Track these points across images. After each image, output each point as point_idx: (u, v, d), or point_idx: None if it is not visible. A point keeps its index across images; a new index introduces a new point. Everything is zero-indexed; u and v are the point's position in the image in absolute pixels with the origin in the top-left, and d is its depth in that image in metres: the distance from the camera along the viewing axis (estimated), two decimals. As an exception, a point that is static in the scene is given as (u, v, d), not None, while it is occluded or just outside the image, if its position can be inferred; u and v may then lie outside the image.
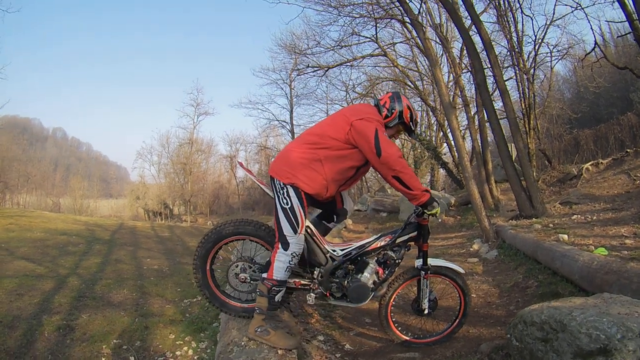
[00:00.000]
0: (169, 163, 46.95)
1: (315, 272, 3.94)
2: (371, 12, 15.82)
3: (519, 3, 17.44)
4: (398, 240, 4.00)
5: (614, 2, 12.90)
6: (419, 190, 3.60)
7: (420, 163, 29.43)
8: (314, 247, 3.92)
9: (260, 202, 44.14)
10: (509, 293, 5.71)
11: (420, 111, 28.37)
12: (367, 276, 3.90)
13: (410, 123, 4.04)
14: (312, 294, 3.97)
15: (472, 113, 17.59)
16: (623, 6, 10.46)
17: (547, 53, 18.39)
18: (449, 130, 16.04)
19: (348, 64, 20.95)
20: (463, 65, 18.52)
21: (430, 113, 25.32)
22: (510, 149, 12.10)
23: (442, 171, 24.91)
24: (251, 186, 48.26)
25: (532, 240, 7.42)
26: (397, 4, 13.19)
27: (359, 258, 3.98)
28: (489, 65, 11.79)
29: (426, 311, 4.18)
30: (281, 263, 3.63)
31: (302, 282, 3.99)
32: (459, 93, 18.53)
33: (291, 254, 3.63)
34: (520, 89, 17.34)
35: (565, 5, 15.71)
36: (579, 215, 9.93)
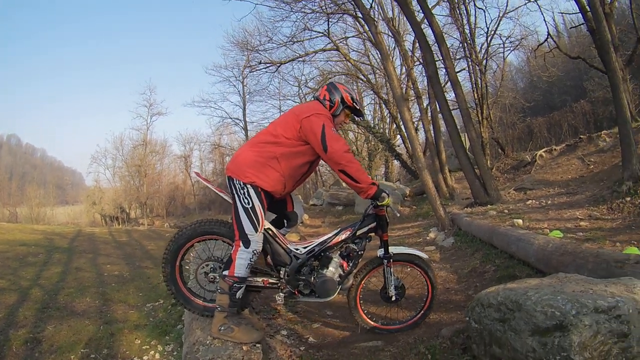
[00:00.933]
0: (124, 166, 45.69)
1: (281, 271, 4.00)
2: (324, 7, 15.89)
3: (471, -5, 17.78)
4: (358, 233, 4.09)
5: None
6: (365, 184, 3.72)
7: (374, 155, 29.76)
8: (277, 248, 3.99)
9: (216, 202, 43.61)
10: (467, 278, 5.81)
11: (373, 104, 28.74)
12: (333, 270, 3.98)
13: (354, 104, 4.15)
14: (280, 294, 4.03)
15: (425, 105, 17.85)
16: None
17: (499, 44, 18.79)
18: (401, 122, 16.17)
19: (300, 59, 21.10)
20: (415, 58, 18.78)
21: (383, 106, 25.58)
22: (463, 139, 12.34)
23: (396, 162, 25.19)
24: (206, 186, 47.97)
25: (487, 226, 7.55)
26: (349, -1, 13.36)
27: (322, 254, 4.06)
28: (441, 58, 11.99)
29: (394, 298, 4.28)
30: (242, 260, 3.67)
31: (270, 280, 4.05)
32: (412, 85, 18.66)
33: (252, 251, 3.69)
34: (473, 80, 17.63)
35: (519, -4, 16.08)
36: (534, 201, 10.22)
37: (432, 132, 16.58)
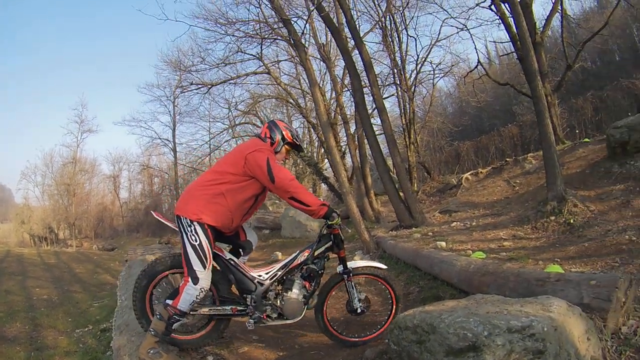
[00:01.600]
0: (53, 184, 44.08)
1: (247, 298, 4.12)
2: (258, 31, 15.96)
3: (405, 24, 18.36)
4: (316, 253, 4.27)
5: (499, 24, 13.95)
6: (316, 206, 3.93)
7: (302, 179, 29.72)
8: (240, 277, 4.12)
9: (144, 224, 42.71)
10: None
11: (302, 128, 28.78)
12: (297, 292, 4.15)
13: (295, 140, 4.39)
14: (250, 320, 4.12)
15: (352, 130, 18.10)
16: (507, 28, 11.36)
17: (430, 71, 19.41)
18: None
19: (232, 81, 20.88)
20: (345, 84, 19.13)
21: (312, 130, 25.74)
22: (389, 163, 12.62)
23: (323, 186, 25.36)
24: (135, 207, 46.75)
25: (411, 249, 7.71)
26: (282, 24, 13.48)
27: (284, 277, 4.24)
28: (369, 85, 12.22)
29: (359, 310, 4.47)
30: (189, 296, 3.77)
31: (239, 308, 4.14)
32: (339, 111, 19.01)
33: (200, 288, 3.80)
34: (402, 105, 18.12)
35: (452, 26, 16.74)
36: (458, 223, 10.42)
37: (358, 156, 16.82)
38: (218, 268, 4.17)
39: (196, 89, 20.78)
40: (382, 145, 12.78)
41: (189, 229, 3.80)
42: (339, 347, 4.60)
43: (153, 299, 4.16)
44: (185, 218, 3.82)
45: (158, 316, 3.80)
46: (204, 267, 3.81)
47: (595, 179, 9.45)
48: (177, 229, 4.08)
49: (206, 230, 3.83)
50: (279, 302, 4.16)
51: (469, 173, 16.16)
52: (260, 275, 4.17)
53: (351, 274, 4.42)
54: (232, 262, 4.11)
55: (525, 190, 11.72)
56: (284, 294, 4.17)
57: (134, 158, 50.65)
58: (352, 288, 4.46)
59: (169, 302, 3.82)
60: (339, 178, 10.52)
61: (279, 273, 4.21)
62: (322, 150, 25.96)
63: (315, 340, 4.93)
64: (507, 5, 11.04)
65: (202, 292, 3.82)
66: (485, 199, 12.71)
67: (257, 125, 27.52)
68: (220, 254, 4.11)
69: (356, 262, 4.61)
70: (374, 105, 13.82)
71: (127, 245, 26.42)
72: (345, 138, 19.66)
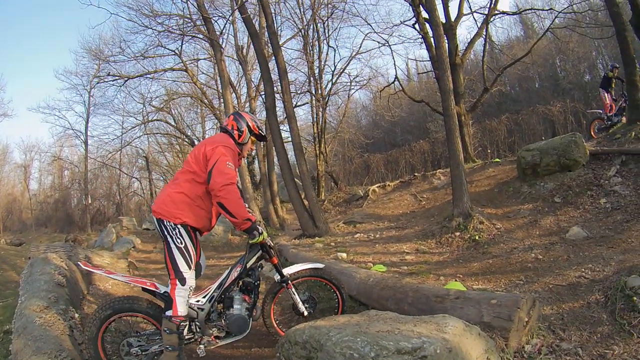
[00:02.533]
0: None
1: (192, 326, 4.10)
2: (180, 26, 15.68)
3: (327, 35, 18.60)
4: (248, 266, 4.28)
5: (422, 42, 14.34)
6: (241, 218, 3.90)
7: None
8: None
9: (53, 218, 40.73)
10: (289, 311, 5.85)
11: (214, 129, 28.57)
12: (238, 307, 4.17)
13: (260, 131, 4.46)
14: (200, 346, 4.11)
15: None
16: (429, 47, 11.69)
17: (346, 82, 19.74)
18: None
19: (149, 75, 20.44)
20: (260, 89, 18.96)
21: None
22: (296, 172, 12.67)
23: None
24: (44, 201, 44.44)
25: (312, 258, 7.63)
26: (201, 22, 13.33)
27: (222, 296, 4.23)
28: (281, 91, 12.22)
29: (305, 313, 4.55)
30: (182, 298, 3.86)
31: (187, 337, 4.07)
32: (251, 115, 18.93)
33: (189, 287, 3.91)
34: (314, 114, 18.31)
35: (374, 40, 17.14)
36: (362, 234, 10.45)
37: (265, 162, 16.84)
38: (157, 304, 4.15)
39: (113, 80, 20.18)
40: (289, 153, 12.84)
41: (173, 232, 3.90)
42: (237, 357, 4.72)
43: (106, 345, 4.09)
44: (169, 222, 3.91)
45: (167, 331, 3.81)
46: (189, 267, 3.94)
47: (504, 197, 9.71)
48: (107, 275, 4.53)
49: (189, 232, 3.96)
50: (223, 321, 4.19)
51: (376, 185, 16.27)
52: (198, 301, 4.15)
53: (289, 281, 4.48)
54: (167, 294, 4.02)
55: (432, 205, 11.85)
56: (227, 312, 4.19)
57: (46, 148, 48.44)
58: (294, 294, 4.53)
59: (169, 313, 3.83)
60: (243, 183, 10.47)
61: (216, 294, 4.20)
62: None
63: (211, 350, 4.88)
64: (430, 26, 11.39)
65: (190, 290, 3.94)
66: (391, 212, 12.75)
67: (169, 123, 27.05)
68: (155, 289, 4.09)
69: (292, 267, 4.65)
70: (285, 113, 13.88)
71: (35, 241, 24.99)
72: (255, 144, 19.58)
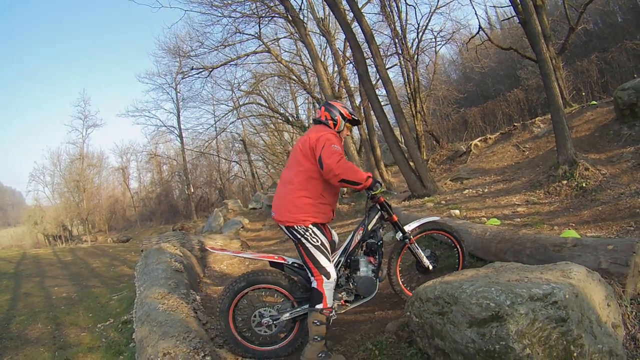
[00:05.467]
0: (62, 182, 43.90)
1: None
2: (255, 10, 15.80)
3: (403, -8, 18.05)
4: (370, 227, 4.42)
5: None
6: (362, 181, 4.03)
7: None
8: (307, 276, 4.20)
9: (157, 212, 42.80)
10: (409, 271, 5.83)
11: (307, 103, 28.88)
12: (365, 269, 4.31)
13: (352, 116, 4.49)
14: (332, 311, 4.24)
15: (358, 102, 17.95)
16: None
17: (431, 39, 19.16)
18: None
19: (232, 62, 20.91)
20: (346, 57, 18.92)
21: (317, 105, 25.53)
22: (397, 134, 12.51)
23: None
24: (146, 197, 46.82)
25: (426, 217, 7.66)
26: (278, 1, 13.33)
27: (348, 260, 4.38)
28: (371, 56, 12.07)
29: (431, 267, 4.69)
30: (329, 291, 3.99)
31: None
32: (343, 84, 18.80)
33: (333, 279, 4.04)
34: (405, 75, 17.92)
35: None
36: (471, 190, 10.38)
37: (365, 129, 16.77)
38: (285, 274, 4.30)
39: (197, 74, 20.86)
40: (388, 116, 12.67)
41: (307, 234, 4.00)
42: (361, 322, 4.67)
43: (237, 317, 4.29)
44: (299, 226, 4.01)
45: (317, 323, 3.93)
46: (329, 260, 4.05)
47: (605, 141, 9.37)
48: (235, 254, 4.94)
49: (320, 228, 4.08)
50: (351, 284, 4.31)
51: (477, 139, 15.95)
52: None
53: (411, 237, 4.59)
54: (295, 265, 4.25)
55: (535, 155, 11.52)
56: (354, 275, 4.32)
57: (141, 148, 50.84)
58: (417, 249, 4.65)
59: (319, 306, 3.94)
60: (348, 150, 10.44)
61: (342, 259, 4.33)
62: (330, 125, 25.70)
63: (337, 318, 4.93)
64: (507, -31, 10.84)
65: (334, 282, 4.06)
66: (496, 165, 12.55)
67: (261, 104, 27.47)
68: (283, 262, 4.27)
69: (410, 224, 4.70)
70: (378, 76, 13.66)
71: (141, 235, 26.48)
72: (351, 111, 19.52)
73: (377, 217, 4.44)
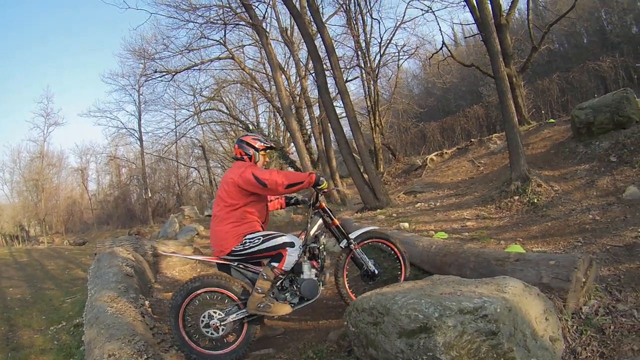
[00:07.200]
0: (21, 180, 42.69)
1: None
2: (221, 16, 15.78)
3: (369, 7, 18.35)
4: (312, 233, 4.66)
5: (464, 6, 13.95)
6: (306, 179, 4.31)
7: (269, 164, 29.16)
8: (253, 277, 4.44)
9: (114, 216, 41.89)
10: (356, 282, 5.83)
11: (268, 112, 28.97)
12: (308, 273, 4.49)
13: (265, 145, 4.74)
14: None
15: (316, 114, 18.16)
16: (472, 10, 11.35)
17: (394, 53, 19.44)
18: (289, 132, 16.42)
19: (196, 67, 20.86)
20: (308, 68, 19.01)
21: (277, 114, 25.73)
22: (353, 146, 12.65)
23: (290, 169, 25.43)
24: (103, 200, 45.80)
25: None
26: (244, 9, 13.37)
27: None
28: (331, 68, 12.20)
29: (377, 271, 4.88)
30: (290, 257, 4.24)
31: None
32: (303, 95, 18.97)
33: (298, 247, 4.32)
34: (366, 87, 18.16)
35: (416, 8, 16.77)
36: (423, 203, 10.47)
37: (322, 140, 16.87)
38: (230, 276, 4.44)
39: (160, 77, 20.68)
40: (345, 128, 12.80)
41: (248, 245, 4.26)
42: (305, 330, 4.78)
43: (186, 317, 4.34)
44: (238, 246, 4.27)
45: (265, 277, 4.20)
46: (282, 234, 4.31)
47: (560, 159, 9.49)
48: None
49: (254, 232, 4.34)
50: (294, 287, 4.49)
51: (434, 154, 15.97)
52: None
53: (355, 243, 4.79)
54: (240, 266, 4.43)
55: (489, 171, 11.65)
56: (297, 278, 4.50)
57: (101, 149, 49.43)
58: (362, 254, 4.86)
59: (275, 264, 4.22)
60: (302, 162, 10.57)
61: None
62: (288, 134, 25.79)
63: (281, 325, 5.07)
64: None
65: (300, 249, 4.35)
66: (450, 180, 12.61)
67: (222, 111, 27.35)
68: (229, 264, 4.45)
69: (354, 233, 4.90)
70: (337, 89, 13.83)
71: (97, 239, 25.89)
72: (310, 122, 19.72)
73: (318, 224, 4.70)
